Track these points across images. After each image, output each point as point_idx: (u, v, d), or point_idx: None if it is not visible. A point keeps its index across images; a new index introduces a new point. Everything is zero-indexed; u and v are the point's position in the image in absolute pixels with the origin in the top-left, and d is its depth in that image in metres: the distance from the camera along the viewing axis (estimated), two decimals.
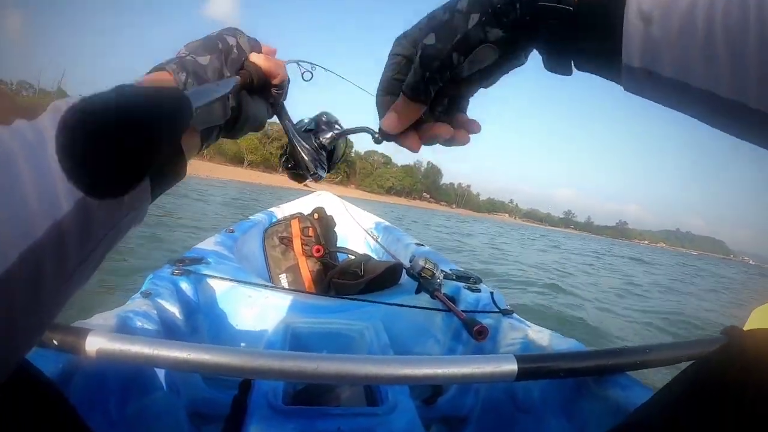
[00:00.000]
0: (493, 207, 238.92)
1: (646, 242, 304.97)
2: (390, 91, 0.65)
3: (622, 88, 0.52)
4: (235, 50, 0.73)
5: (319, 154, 0.86)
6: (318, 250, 2.20)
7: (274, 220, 3.58)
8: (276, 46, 0.83)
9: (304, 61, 0.93)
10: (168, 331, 1.38)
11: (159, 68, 0.65)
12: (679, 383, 0.69)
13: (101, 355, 0.90)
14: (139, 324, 1.24)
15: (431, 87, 0.59)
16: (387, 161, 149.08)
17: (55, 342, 0.91)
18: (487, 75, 0.62)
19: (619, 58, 0.49)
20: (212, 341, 1.64)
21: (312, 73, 0.96)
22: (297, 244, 2.23)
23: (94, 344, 0.90)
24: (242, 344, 1.70)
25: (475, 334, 1.22)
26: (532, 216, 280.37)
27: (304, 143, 0.85)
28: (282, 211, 4.16)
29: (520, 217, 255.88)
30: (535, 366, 0.96)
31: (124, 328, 1.17)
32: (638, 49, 0.47)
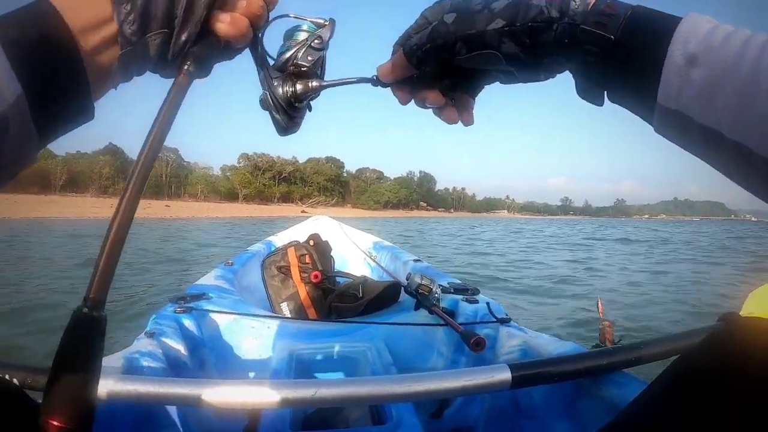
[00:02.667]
0: (490, 206, 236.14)
1: (646, 216, 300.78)
2: (402, 45, 0.66)
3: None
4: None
5: (292, 106, 0.71)
6: (316, 276, 2.22)
7: (272, 248, 3.61)
8: None
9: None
10: (175, 368, 1.41)
11: None
12: (666, 376, 0.69)
13: (111, 397, 0.93)
14: (145, 363, 1.26)
15: (427, 58, 0.61)
16: (379, 176, 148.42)
17: None
18: (496, 76, 0.65)
19: (654, 96, 0.48)
20: (219, 374, 1.67)
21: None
22: (295, 272, 2.25)
23: (103, 386, 0.93)
24: (249, 375, 1.72)
25: (472, 345, 1.25)
26: (530, 208, 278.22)
27: (275, 93, 0.70)
28: (280, 239, 4.18)
29: (517, 212, 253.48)
30: (529, 373, 0.98)
31: (132, 369, 1.20)
32: (675, 91, 0.46)
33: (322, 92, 0.72)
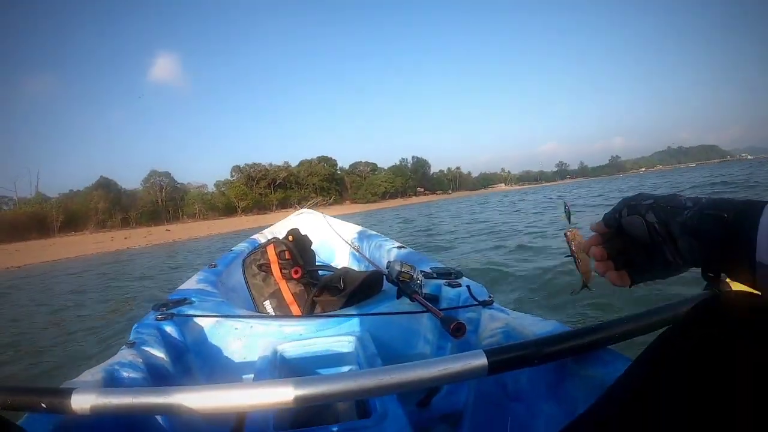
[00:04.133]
0: (487, 181, 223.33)
1: (643, 170, 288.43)
2: None
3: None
4: None
5: None
6: (297, 272, 2.21)
7: (256, 246, 3.60)
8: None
9: None
10: (157, 377, 1.40)
11: None
12: (651, 350, 0.70)
13: (87, 412, 0.92)
14: (125, 374, 1.25)
15: (611, 217, 0.85)
16: (373, 168, 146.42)
17: (43, 405, 0.92)
18: (647, 264, 0.81)
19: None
20: (205, 378, 1.66)
21: None
22: (275, 269, 2.23)
23: (80, 402, 0.92)
24: (234, 377, 1.71)
25: (452, 331, 1.25)
26: (527, 178, 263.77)
27: None
28: (264, 236, 4.18)
29: (515, 183, 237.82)
30: (506, 357, 0.97)
31: (112, 381, 1.19)
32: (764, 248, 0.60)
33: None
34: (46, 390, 0.96)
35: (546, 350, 1.01)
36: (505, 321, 1.44)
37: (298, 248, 2.34)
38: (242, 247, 3.69)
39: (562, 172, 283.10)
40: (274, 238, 2.45)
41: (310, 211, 5.21)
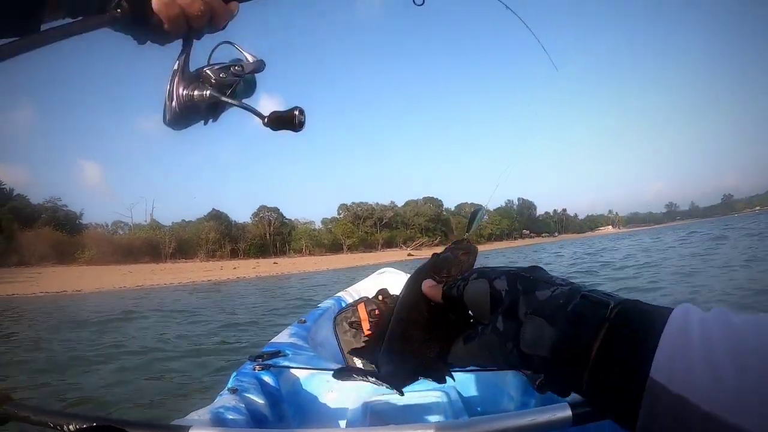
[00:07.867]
0: (594, 223, 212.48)
1: (757, 209, 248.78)
2: None
3: None
4: None
5: (185, 106, 0.78)
6: None
7: (343, 304, 3.70)
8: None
9: None
10: (257, 422, 1.49)
11: None
12: None
13: None
14: (231, 417, 1.35)
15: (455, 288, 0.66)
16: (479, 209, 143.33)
17: None
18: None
19: None
20: (298, 427, 1.74)
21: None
22: (366, 326, 2.30)
23: None
24: (326, 426, 1.78)
25: (537, 387, 1.29)
26: (635, 220, 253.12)
27: (176, 88, 0.78)
28: (349, 294, 4.27)
29: (623, 225, 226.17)
30: (590, 410, 1.02)
31: (219, 422, 1.29)
32: None
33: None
34: (164, 426, 1.06)
35: None
36: None
37: (387, 307, 2.40)
38: (329, 303, 3.79)
39: (672, 214, 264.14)
40: (364, 297, 2.53)
41: (393, 270, 5.27)
